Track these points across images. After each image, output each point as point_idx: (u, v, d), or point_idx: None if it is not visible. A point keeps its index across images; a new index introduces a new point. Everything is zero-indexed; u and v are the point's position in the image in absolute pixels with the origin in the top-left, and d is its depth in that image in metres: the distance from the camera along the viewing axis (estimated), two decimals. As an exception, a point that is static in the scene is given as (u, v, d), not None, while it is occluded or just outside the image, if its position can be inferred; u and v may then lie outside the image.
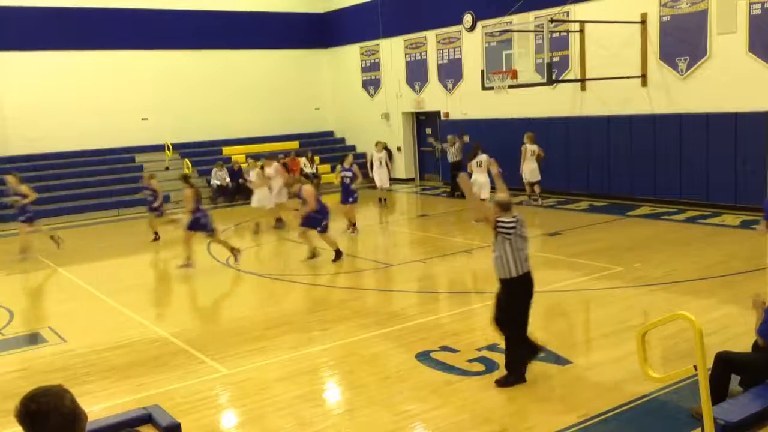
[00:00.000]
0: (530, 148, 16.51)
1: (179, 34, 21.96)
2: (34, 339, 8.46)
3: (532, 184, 16.65)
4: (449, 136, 19.11)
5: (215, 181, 20.46)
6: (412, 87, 22.01)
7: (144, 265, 13.19)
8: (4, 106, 19.69)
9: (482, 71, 15.89)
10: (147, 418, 3.78)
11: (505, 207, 6.17)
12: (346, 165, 14.47)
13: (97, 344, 8.12)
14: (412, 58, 21.87)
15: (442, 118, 21.00)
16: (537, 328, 7.95)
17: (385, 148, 20.21)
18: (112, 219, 18.64)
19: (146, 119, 21.55)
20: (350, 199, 14.15)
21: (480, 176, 14.99)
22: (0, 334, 8.74)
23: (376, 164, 18.45)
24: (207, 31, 22.35)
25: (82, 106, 20.49)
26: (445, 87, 20.80)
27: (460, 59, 20.14)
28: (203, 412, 6.08)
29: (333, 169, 22.80)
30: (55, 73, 20.19)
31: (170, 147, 21.56)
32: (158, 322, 8.85)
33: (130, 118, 21.22)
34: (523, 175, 16.54)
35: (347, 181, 14.28)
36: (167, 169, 21.25)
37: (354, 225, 14.42)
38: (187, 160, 21.18)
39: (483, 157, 15.00)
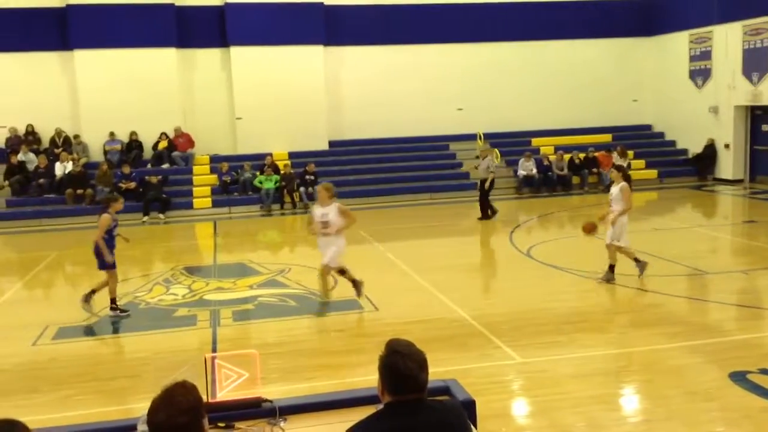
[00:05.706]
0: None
1: (496, 27, 22.47)
2: (352, 305, 9.43)
3: None
4: None
5: (522, 171, 20.61)
6: (749, 78, 19.65)
7: (451, 248, 13.81)
8: (342, 95, 22.14)
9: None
10: (445, 390, 3.99)
11: None
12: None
13: (404, 316, 8.79)
14: (752, 46, 19.50)
15: (784, 112, 18.43)
16: None
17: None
18: (424, 202, 19.80)
19: (461, 109, 22.54)
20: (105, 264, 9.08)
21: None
22: (327, 296, 9.92)
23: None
24: (523, 22, 22.54)
25: (405, 96, 22.11)
26: (791, 77, 18.20)
27: (812, 45, 17.44)
28: (496, 395, 6.23)
29: (648, 166, 21.53)
30: (382, 66, 22.06)
31: (482, 136, 22.26)
32: (460, 303, 9.23)
33: (447, 108, 22.39)
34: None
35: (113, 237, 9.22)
36: (477, 157, 21.96)
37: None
38: (496, 149, 21.67)
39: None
